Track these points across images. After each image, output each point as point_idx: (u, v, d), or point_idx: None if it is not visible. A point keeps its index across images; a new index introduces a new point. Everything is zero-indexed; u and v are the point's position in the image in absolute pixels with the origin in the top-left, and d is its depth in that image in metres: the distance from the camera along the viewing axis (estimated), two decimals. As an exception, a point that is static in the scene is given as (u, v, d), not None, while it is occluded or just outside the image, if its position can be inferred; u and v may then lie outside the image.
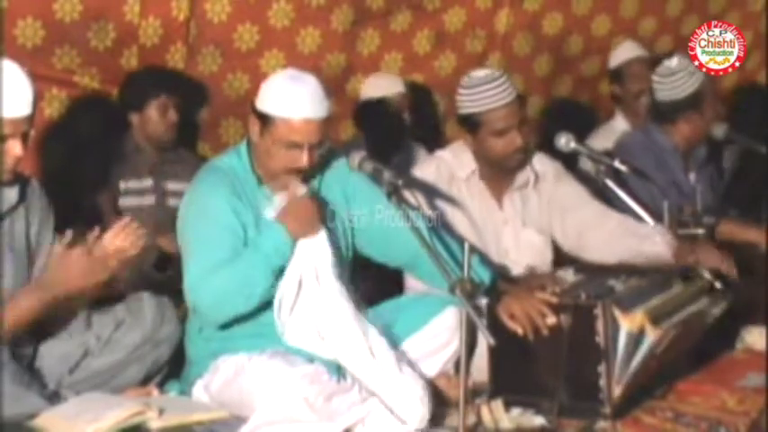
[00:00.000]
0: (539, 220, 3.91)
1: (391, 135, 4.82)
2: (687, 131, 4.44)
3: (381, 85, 4.83)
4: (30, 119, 3.07)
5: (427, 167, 3.89)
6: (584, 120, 5.35)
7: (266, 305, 3.29)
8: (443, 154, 3.93)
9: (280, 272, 3.21)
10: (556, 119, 5.28)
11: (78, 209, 4.03)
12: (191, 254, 3.24)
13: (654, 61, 5.10)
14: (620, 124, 5.21)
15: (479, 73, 3.78)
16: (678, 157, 4.49)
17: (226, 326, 3.28)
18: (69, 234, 3.08)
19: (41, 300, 3.06)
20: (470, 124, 3.75)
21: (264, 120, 3.26)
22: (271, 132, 3.25)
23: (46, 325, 3.20)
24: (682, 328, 3.43)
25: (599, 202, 3.95)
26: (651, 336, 3.28)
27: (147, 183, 4.27)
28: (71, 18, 3.89)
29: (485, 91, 3.70)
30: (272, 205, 3.28)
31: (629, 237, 3.83)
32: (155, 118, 4.22)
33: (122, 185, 4.21)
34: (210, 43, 4.32)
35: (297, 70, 3.36)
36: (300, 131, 3.22)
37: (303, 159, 3.24)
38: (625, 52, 5.30)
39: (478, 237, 3.81)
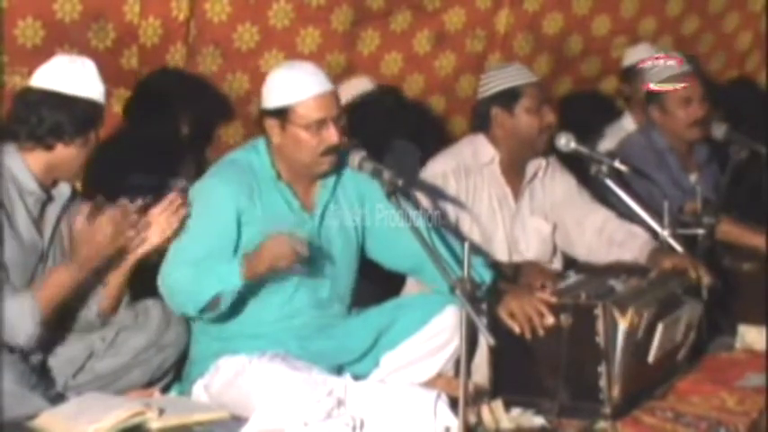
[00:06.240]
0: (543, 209, 3.99)
1: (375, 136, 4.78)
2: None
3: (350, 90, 4.76)
4: None
5: (448, 158, 3.95)
6: (583, 120, 5.34)
7: (267, 306, 3.30)
8: (461, 145, 4.03)
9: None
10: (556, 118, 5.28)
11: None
12: (178, 241, 3.30)
13: None
14: (628, 124, 5.20)
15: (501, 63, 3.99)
16: (676, 156, 4.51)
17: (228, 326, 3.29)
18: (86, 208, 3.21)
19: (72, 277, 3.14)
20: (506, 100, 3.87)
21: (282, 114, 3.30)
22: (293, 121, 3.29)
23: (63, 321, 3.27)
24: (656, 310, 3.40)
25: (585, 196, 4.02)
26: (622, 324, 3.26)
27: (153, 180, 4.26)
28: (71, 18, 3.88)
29: (519, 69, 3.96)
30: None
31: (604, 243, 3.91)
32: None
33: (129, 181, 4.22)
34: (210, 43, 4.31)
35: (292, 61, 3.47)
36: (320, 107, 3.29)
37: (333, 135, 3.29)
38: (640, 53, 5.27)
39: (489, 226, 3.88)
